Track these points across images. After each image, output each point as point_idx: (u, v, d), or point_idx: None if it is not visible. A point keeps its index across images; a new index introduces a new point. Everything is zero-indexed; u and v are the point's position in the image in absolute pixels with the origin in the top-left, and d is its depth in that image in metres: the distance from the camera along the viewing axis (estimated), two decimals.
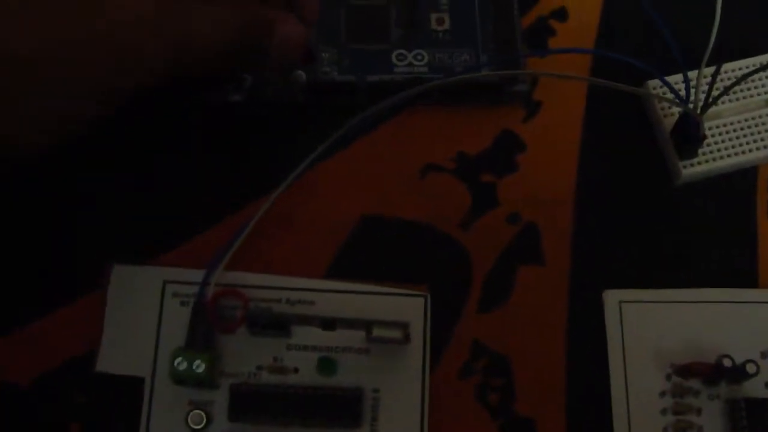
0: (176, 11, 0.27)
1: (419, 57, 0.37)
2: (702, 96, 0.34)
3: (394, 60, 0.37)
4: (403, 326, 0.31)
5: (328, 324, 0.32)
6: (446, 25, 0.37)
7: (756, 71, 0.34)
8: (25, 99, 0.25)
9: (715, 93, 0.34)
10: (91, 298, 0.33)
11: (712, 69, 0.34)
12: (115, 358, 0.33)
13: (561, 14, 0.39)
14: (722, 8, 0.35)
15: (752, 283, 0.35)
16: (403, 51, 0.37)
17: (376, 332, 0.31)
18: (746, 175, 0.37)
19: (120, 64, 0.27)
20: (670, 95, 0.35)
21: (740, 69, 0.37)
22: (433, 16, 0.37)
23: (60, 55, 0.25)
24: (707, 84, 0.34)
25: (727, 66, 0.37)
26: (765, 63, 0.34)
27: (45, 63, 0.25)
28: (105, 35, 0.26)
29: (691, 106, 0.34)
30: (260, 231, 0.34)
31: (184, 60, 0.28)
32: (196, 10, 0.28)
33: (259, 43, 0.30)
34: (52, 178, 0.35)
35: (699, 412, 0.33)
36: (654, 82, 0.37)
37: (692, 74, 0.35)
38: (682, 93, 0.34)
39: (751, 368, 0.32)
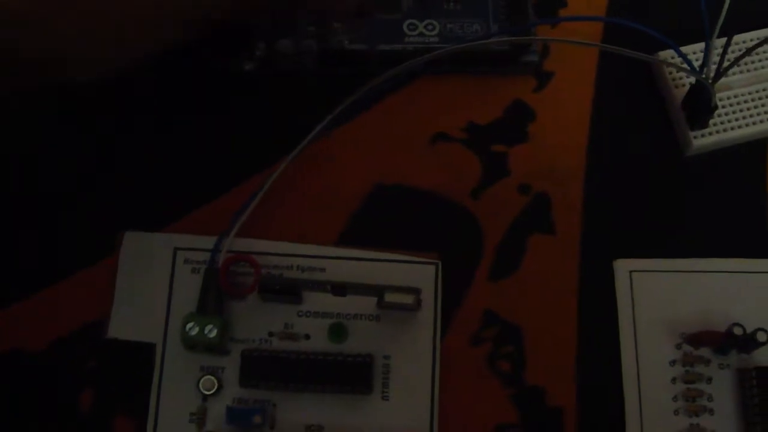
0: None
1: (430, 27, 0.37)
2: (713, 67, 0.34)
3: (405, 29, 0.37)
4: (415, 292, 0.32)
5: (339, 289, 0.32)
6: None
7: (762, 43, 0.33)
8: (102, 14, 0.26)
9: (725, 64, 0.34)
10: (103, 264, 0.34)
11: (723, 40, 0.34)
12: (127, 324, 0.33)
13: None
14: None
15: (762, 253, 0.35)
16: (414, 21, 0.37)
17: (388, 298, 0.31)
18: (756, 146, 0.37)
19: None
20: (683, 64, 0.35)
21: (751, 40, 0.37)
22: None
23: None
24: (718, 55, 0.34)
25: (738, 37, 0.37)
26: None
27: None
28: None
29: (704, 75, 0.34)
30: (272, 198, 0.34)
31: None
32: None
33: None
34: (65, 147, 0.35)
35: (709, 380, 0.33)
36: (665, 53, 0.37)
37: (697, 46, 0.35)
38: (695, 63, 0.35)
39: (761, 336, 0.32)
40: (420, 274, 0.34)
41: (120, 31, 0.27)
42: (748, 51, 0.33)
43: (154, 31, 0.28)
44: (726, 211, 0.36)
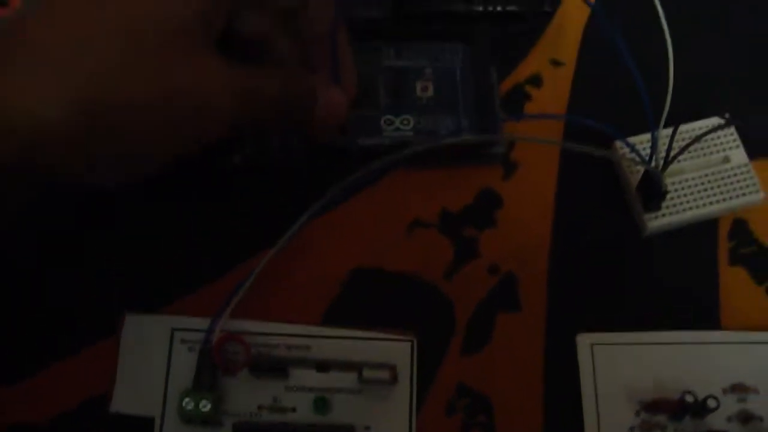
0: (242, 80, 0.32)
1: (405, 122, 0.40)
2: (662, 156, 0.38)
3: (382, 125, 0.40)
4: (391, 368, 0.35)
5: (323, 366, 0.35)
6: (430, 93, 0.41)
7: (708, 132, 0.37)
8: (130, 138, 0.29)
9: (673, 153, 0.37)
10: (106, 344, 0.36)
11: (670, 130, 0.37)
12: (128, 399, 0.35)
13: (536, 81, 0.43)
14: (675, 75, 0.38)
15: (715, 325, 0.38)
16: (390, 116, 0.40)
17: (366, 374, 0.34)
18: (707, 225, 0.40)
19: (205, 113, 0.31)
20: (634, 156, 0.38)
21: (696, 129, 0.41)
22: (419, 85, 0.41)
23: (160, 102, 0.29)
24: (667, 144, 0.38)
25: (684, 127, 0.40)
26: (716, 125, 0.37)
27: (149, 109, 0.29)
28: (194, 89, 0.30)
29: (653, 164, 0.38)
30: (261, 282, 0.37)
31: (247, 115, 0.32)
32: (256, 78, 0.32)
33: (306, 105, 0.35)
34: (68, 232, 0.38)
35: None
36: (620, 143, 0.40)
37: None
38: (646, 153, 0.38)
39: (711, 403, 0.35)
40: (397, 350, 0.36)
41: (143, 150, 0.31)
42: (692, 142, 0.36)
43: (170, 150, 0.31)
44: (681, 286, 0.39)
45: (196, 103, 0.30)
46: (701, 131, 0.38)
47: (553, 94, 0.42)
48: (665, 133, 0.38)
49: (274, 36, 0.34)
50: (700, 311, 0.38)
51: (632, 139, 0.40)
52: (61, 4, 0.29)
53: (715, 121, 0.40)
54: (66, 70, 0.28)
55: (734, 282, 0.39)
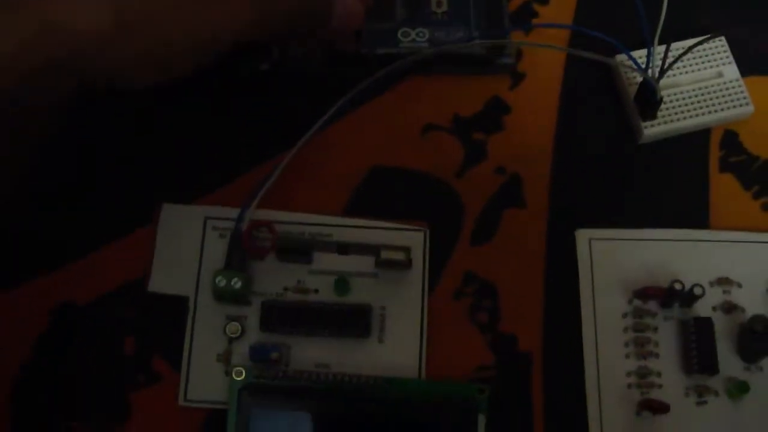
0: None
1: (421, 34, 0.43)
2: (657, 67, 0.41)
3: (399, 36, 0.43)
4: (406, 250, 0.38)
5: (343, 249, 0.38)
6: (444, 7, 0.44)
7: (699, 43, 0.40)
8: (156, 39, 0.32)
9: (667, 65, 0.40)
10: (145, 231, 0.40)
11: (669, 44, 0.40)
12: (164, 280, 0.39)
13: None
14: None
15: (705, 225, 0.41)
16: (407, 29, 0.43)
17: (384, 255, 0.37)
18: (701, 135, 0.43)
19: (225, 16, 0.33)
20: (632, 64, 0.41)
21: (688, 45, 0.43)
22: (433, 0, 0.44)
23: (186, 14, 0.32)
24: (660, 59, 0.40)
25: (679, 44, 0.42)
26: (710, 40, 0.40)
27: (175, 10, 0.32)
28: (212, 6, 0.33)
29: (650, 73, 0.40)
30: (287, 177, 0.40)
31: (266, 21, 0.35)
32: None
33: (322, 13, 0.37)
34: (112, 128, 0.42)
35: (655, 329, 0.39)
36: (620, 57, 0.43)
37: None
38: (643, 63, 0.41)
39: (698, 290, 0.38)
40: (412, 238, 0.40)
41: (173, 56, 0.33)
42: (685, 52, 0.39)
43: (198, 57, 0.34)
44: (674, 189, 0.42)
45: (215, 13, 0.33)
46: (693, 46, 0.41)
47: (558, 12, 0.45)
48: (664, 48, 0.41)
49: None
50: (692, 213, 0.41)
51: (632, 53, 0.42)
52: None
53: (707, 36, 0.43)
54: None
55: (724, 187, 0.42)
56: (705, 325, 0.38)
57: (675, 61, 0.40)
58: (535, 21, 0.45)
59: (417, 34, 0.43)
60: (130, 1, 0.31)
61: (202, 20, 0.33)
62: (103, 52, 0.31)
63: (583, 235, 0.40)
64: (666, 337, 0.39)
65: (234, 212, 0.39)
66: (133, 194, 0.41)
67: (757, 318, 0.37)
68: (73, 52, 0.30)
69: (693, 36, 0.43)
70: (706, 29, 0.43)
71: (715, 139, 0.43)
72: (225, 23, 0.34)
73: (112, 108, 0.41)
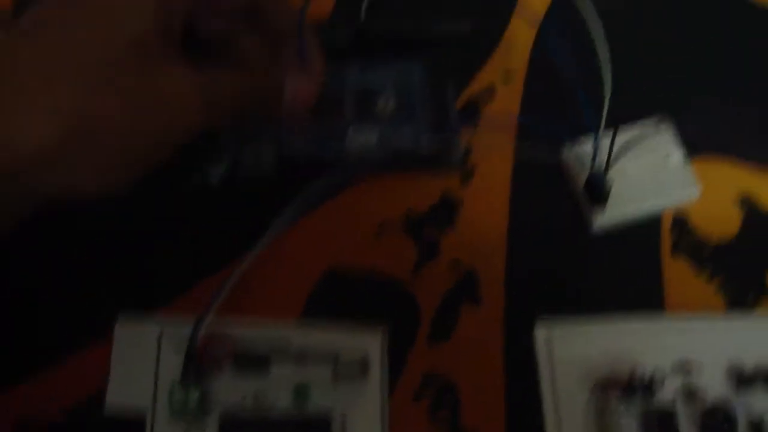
0: (209, 81, 0.34)
1: (370, 133, 0.43)
2: (605, 156, 0.41)
3: (349, 136, 0.43)
4: (363, 359, 0.38)
5: (301, 358, 0.38)
6: (392, 107, 0.44)
7: (650, 134, 0.40)
8: (107, 148, 0.32)
9: (615, 153, 0.41)
10: (100, 345, 0.39)
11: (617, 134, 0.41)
12: (121, 396, 0.38)
13: (489, 94, 0.46)
14: (614, 82, 0.42)
15: (661, 309, 0.41)
16: (356, 128, 0.44)
17: (341, 363, 0.37)
18: (651, 221, 0.43)
19: (175, 118, 0.33)
20: (579, 159, 0.41)
21: (635, 131, 0.44)
22: (381, 100, 0.44)
23: (132, 113, 0.32)
24: (608, 148, 0.41)
25: (627, 128, 0.44)
26: (653, 126, 0.41)
27: (123, 120, 0.32)
28: (163, 97, 0.33)
29: (596, 166, 0.41)
30: (243, 283, 0.40)
31: (216, 114, 0.35)
32: (222, 78, 0.35)
33: (272, 97, 0.37)
34: (63, 246, 0.41)
35: (618, 424, 0.38)
36: (567, 147, 0.43)
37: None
38: (588, 156, 0.41)
39: (659, 379, 0.38)
40: (369, 341, 0.40)
41: (127, 160, 0.33)
42: (628, 146, 0.40)
43: (146, 157, 0.34)
44: (629, 275, 0.42)
45: (166, 110, 0.33)
46: (639, 133, 0.41)
47: (505, 106, 0.46)
48: (609, 138, 0.42)
49: (235, 35, 0.37)
50: (646, 298, 0.41)
51: (579, 144, 0.43)
52: (38, 29, 0.31)
53: (652, 122, 0.44)
54: (47, 92, 0.30)
55: (677, 271, 0.42)
56: (667, 419, 0.38)
57: (621, 153, 0.40)
58: (481, 119, 0.46)
59: (366, 136, 0.43)
60: (78, 113, 0.30)
61: (154, 121, 0.33)
62: (52, 166, 0.31)
63: (541, 329, 0.40)
64: (629, 428, 0.38)
65: (189, 323, 0.39)
66: (87, 307, 0.40)
67: (716, 409, 0.37)
68: (19, 169, 0.30)
69: (637, 118, 0.43)
70: (650, 111, 0.44)
71: (666, 224, 0.43)
72: (176, 120, 0.34)
73: (62, 219, 0.40)
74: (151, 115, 0.32)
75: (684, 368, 0.39)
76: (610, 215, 0.42)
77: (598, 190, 0.41)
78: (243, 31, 0.37)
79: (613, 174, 0.42)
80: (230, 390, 0.38)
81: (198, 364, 0.38)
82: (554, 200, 0.44)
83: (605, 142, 0.42)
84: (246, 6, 0.36)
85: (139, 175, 0.34)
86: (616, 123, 0.42)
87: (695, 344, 0.40)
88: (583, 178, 0.43)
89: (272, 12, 0.37)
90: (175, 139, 0.34)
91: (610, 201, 0.42)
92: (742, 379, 0.39)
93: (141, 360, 0.39)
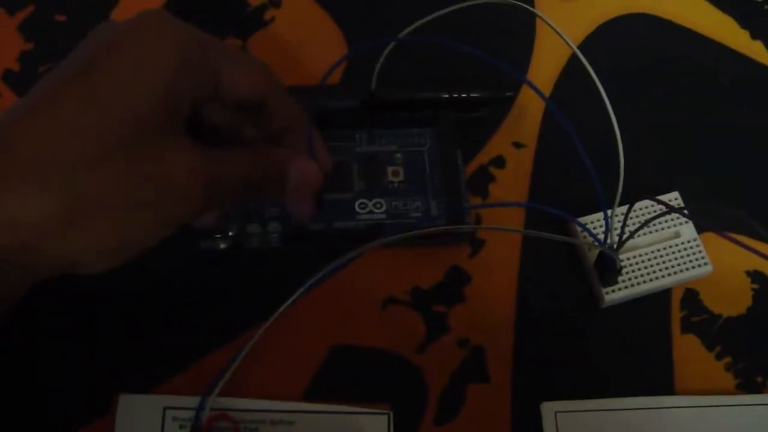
0: (211, 166, 0.33)
1: (378, 205, 0.43)
2: (617, 233, 0.41)
3: (356, 208, 0.43)
4: None
5: None
6: (401, 177, 0.44)
7: (662, 214, 0.40)
8: (108, 227, 0.31)
9: (627, 232, 0.40)
10: (101, 423, 0.39)
11: (624, 209, 0.41)
12: None
13: (499, 162, 0.46)
14: (626, 156, 0.41)
15: (670, 390, 0.41)
16: (364, 200, 0.43)
17: None
18: (661, 296, 0.43)
19: (177, 199, 0.33)
20: (589, 238, 0.41)
21: (648, 207, 0.44)
22: (390, 170, 0.44)
23: (134, 193, 0.31)
24: (619, 222, 0.41)
25: (639, 204, 0.43)
26: (667, 204, 0.40)
27: (125, 200, 0.31)
28: (165, 179, 0.32)
29: (607, 244, 0.41)
30: (246, 361, 0.39)
31: (218, 197, 0.34)
32: (225, 162, 0.34)
33: (277, 180, 0.37)
34: (63, 319, 0.41)
35: None
36: (577, 226, 0.42)
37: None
38: (601, 231, 0.41)
39: None
40: (374, 424, 0.39)
41: (121, 237, 0.32)
42: (642, 225, 0.39)
43: (145, 236, 0.33)
44: (638, 354, 0.42)
45: (167, 192, 0.32)
46: (654, 212, 0.41)
47: (515, 175, 0.45)
48: (621, 210, 0.41)
49: (239, 125, 0.36)
50: (656, 377, 0.41)
51: (590, 217, 0.43)
52: (38, 110, 0.31)
53: (665, 197, 0.43)
54: (46, 174, 0.29)
55: (687, 348, 0.42)
56: None
57: (632, 234, 0.40)
58: (492, 186, 0.45)
59: (374, 206, 0.43)
60: (82, 191, 0.30)
61: (155, 206, 0.32)
62: (54, 243, 0.30)
63: (548, 409, 0.40)
64: None
65: (193, 401, 0.39)
66: (88, 383, 0.40)
67: None
68: (21, 245, 0.29)
69: (648, 194, 0.43)
70: (661, 188, 0.44)
71: (676, 300, 0.43)
72: (177, 203, 0.33)
73: (60, 294, 0.40)
74: (151, 196, 0.32)
75: None
76: (620, 293, 0.42)
77: (608, 269, 0.41)
78: (249, 122, 0.36)
79: (624, 251, 0.42)
80: None
81: None
82: (564, 275, 0.43)
83: (616, 219, 0.41)
84: (253, 101, 0.35)
85: (138, 252, 0.33)
86: (627, 200, 0.41)
87: (706, 429, 0.40)
88: (593, 254, 0.42)
89: (279, 107, 0.36)
90: (176, 221, 0.34)
91: (621, 277, 0.42)
92: None
93: None
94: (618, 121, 0.41)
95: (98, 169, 0.30)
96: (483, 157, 0.46)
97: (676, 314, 0.43)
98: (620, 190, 0.41)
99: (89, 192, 0.30)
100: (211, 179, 0.33)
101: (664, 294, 0.43)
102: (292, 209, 0.39)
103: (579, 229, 0.42)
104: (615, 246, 0.41)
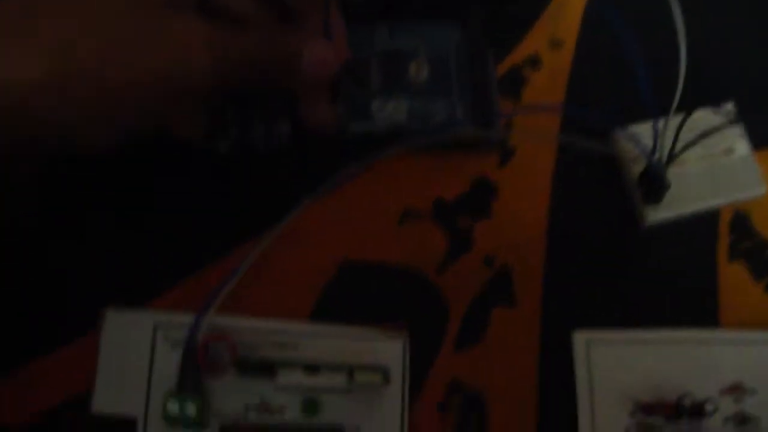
0: (218, 31, 0.31)
1: (398, 107, 0.38)
2: (667, 146, 0.36)
3: (374, 109, 0.38)
4: (384, 371, 0.33)
5: (312, 369, 0.33)
6: (424, 75, 0.39)
7: (715, 128, 0.35)
8: (112, 96, 0.30)
9: (679, 145, 0.36)
10: (86, 340, 0.35)
11: (678, 119, 0.36)
12: (109, 398, 0.34)
13: (534, 63, 0.41)
14: (687, 59, 0.37)
15: (713, 322, 0.37)
16: (383, 100, 0.38)
17: (358, 377, 0.33)
18: (708, 218, 0.39)
19: (185, 70, 0.31)
20: (635, 148, 0.36)
21: (704, 118, 0.39)
22: (412, 67, 0.39)
23: (140, 59, 0.30)
24: (673, 134, 0.36)
25: (692, 116, 0.39)
26: (724, 117, 0.36)
27: (131, 65, 0.30)
28: (173, 46, 0.30)
29: (656, 156, 0.36)
30: (246, 276, 0.35)
31: (228, 72, 0.32)
32: (233, 32, 0.32)
33: (289, 61, 0.33)
34: (49, 227, 0.37)
35: None
36: (621, 133, 0.38)
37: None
38: (648, 142, 0.36)
39: (709, 407, 0.34)
40: (388, 348, 0.35)
41: (129, 109, 0.31)
42: (701, 136, 0.35)
43: (153, 110, 0.32)
44: (680, 281, 0.38)
45: (176, 60, 0.30)
46: (708, 123, 0.36)
47: (551, 78, 0.41)
48: (670, 122, 0.37)
49: (254, 9, 0.33)
50: (699, 308, 0.38)
51: (635, 127, 0.38)
52: None
53: (721, 110, 0.39)
54: (34, 30, 0.29)
55: (733, 278, 0.38)
56: None
57: (686, 146, 0.35)
58: (525, 90, 0.40)
59: (394, 107, 0.38)
60: (68, 47, 0.29)
61: (148, 66, 0.30)
62: (43, 102, 0.29)
63: (580, 338, 0.36)
64: None
65: (187, 318, 0.35)
66: (72, 298, 0.36)
67: None
68: (9, 107, 0.29)
69: (700, 104, 0.38)
70: (715, 99, 0.39)
71: (724, 223, 0.39)
72: (177, 69, 0.31)
73: (47, 197, 0.36)
74: (146, 60, 0.30)
75: (737, 394, 0.36)
76: (664, 212, 0.38)
77: (655, 185, 0.37)
78: (261, 7, 0.33)
79: (673, 165, 0.37)
80: (231, 399, 0.34)
81: (197, 368, 0.34)
82: (602, 190, 0.39)
83: (667, 130, 0.36)
84: None
85: (143, 131, 0.32)
86: (678, 107, 0.36)
87: (749, 367, 0.36)
88: (637, 167, 0.38)
89: None
90: (184, 96, 0.32)
91: (667, 195, 0.38)
92: None
93: (133, 357, 0.35)
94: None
95: (90, 30, 0.29)
96: (516, 58, 0.41)
97: (724, 239, 0.39)
98: (678, 95, 0.36)
99: (79, 53, 0.29)
100: (221, 50, 0.31)
101: (712, 216, 0.39)
102: (304, 101, 0.35)
103: (623, 139, 0.37)
104: (664, 159, 0.36)
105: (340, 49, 0.35)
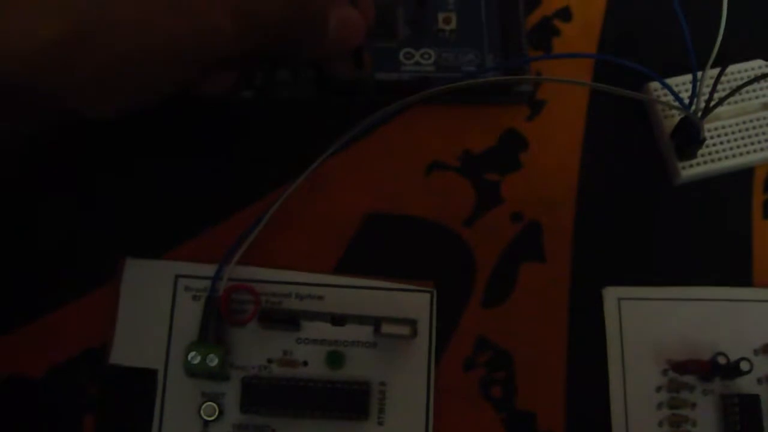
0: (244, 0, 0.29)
1: (426, 56, 0.37)
2: (703, 99, 0.35)
3: (401, 58, 0.37)
4: (412, 323, 0.32)
5: (338, 320, 0.32)
6: (453, 25, 0.38)
7: (758, 78, 0.34)
8: (124, 59, 0.28)
9: (714, 101, 0.35)
10: (105, 291, 0.34)
11: (714, 72, 0.35)
12: (129, 350, 0.33)
13: (565, 14, 0.40)
14: (728, 11, 0.36)
15: (747, 281, 0.36)
16: (410, 49, 0.37)
17: (385, 329, 0.32)
18: (743, 176, 0.38)
19: (204, 33, 0.29)
20: (671, 100, 0.35)
21: (740, 72, 0.38)
22: (441, 16, 0.38)
23: (155, 19, 0.28)
24: (708, 86, 0.35)
25: (729, 68, 0.38)
26: (761, 69, 0.35)
27: (144, 25, 0.28)
28: (192, 7, 0.28)
29: (692, 110, 0.35)
30: (271, 227, 0.34)
31: (249, 36, 0.30)
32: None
33: (314, 26, 0.32)
34: (67, 174, 0.36)
35: (693, 406, 0.34)
36: (655, 85, 0.37)
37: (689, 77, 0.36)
38: (683, 95, 0.35)
39: (744, 366, 0.33)
40: (415, 302, 0.34)
41: (141, 72, 0.29)
42: (737, 89, 0.34)
43: (169, 75, 0.30)
44: (713, 239, 0.37)
45: (194, 23, 0.28)
46: (747, 76, 0.35)
47: (582, 30, 0.40)
48: (709, 81, 0.35)
49: None
50: (732, 266, 0.36)
51: (669, 81, 0.37)
52: None
53: (758, 65, 0.38)
54: None
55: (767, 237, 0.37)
56: (751, 403, 0.33)
57: (724, 99, 0.34)
58: (556, 40, 0.39)
59: (421, 56, 0.37)
60: (87, 8, 0.27)
61: (169, 31, 0.28)
62: (61, 65, 0.27)
63: (611, 295, 0.35)
64: (706, 415, 0.34)
65: (209, 269, 0.34)
66: (93, 247, 0.35)
67: None
68: (24, 66, 0.26)
69: (740, 57, 0.37)
70: (754, 52, 0.38)
71: (759, 180, 0.38)
72: (200, 35, 0.29)
73: (63, 145, 0.35)
74: (167, 25, 0.28)
75: None
76: (698, 168, 0.37)
77: (691, 139, 0.36)
78: None
79: (707, 120, 0.36)
80: (253, 351, 0.33)
81: (219, 319, 0.33)
82: (634, 144, 0.38)
83: (706, 86, 0.35)
84: None
85: (159, 96, 0.30)
86: (719, 60, 0.35)
87: None
88: (671, 121, 0.37)
89: None
90: (202, 61, 0.30)
91: (701, 151, 0.37)
92: None
93: (153, 308, 0.34)
94: None
95: None
96: (546, 8, 0.40)
97: (759, 197, 0.38)
98: (717, 46, 0.35)
99: (91, 15, 0.27)
100: (242, 12, 0.29)
101: (746, 173, 0.38)
102: (329, 67, 0.35)
103: (658, 90, 0.36)
104: (701, 113, 0.35)
105: (367, 11, 0.34)
